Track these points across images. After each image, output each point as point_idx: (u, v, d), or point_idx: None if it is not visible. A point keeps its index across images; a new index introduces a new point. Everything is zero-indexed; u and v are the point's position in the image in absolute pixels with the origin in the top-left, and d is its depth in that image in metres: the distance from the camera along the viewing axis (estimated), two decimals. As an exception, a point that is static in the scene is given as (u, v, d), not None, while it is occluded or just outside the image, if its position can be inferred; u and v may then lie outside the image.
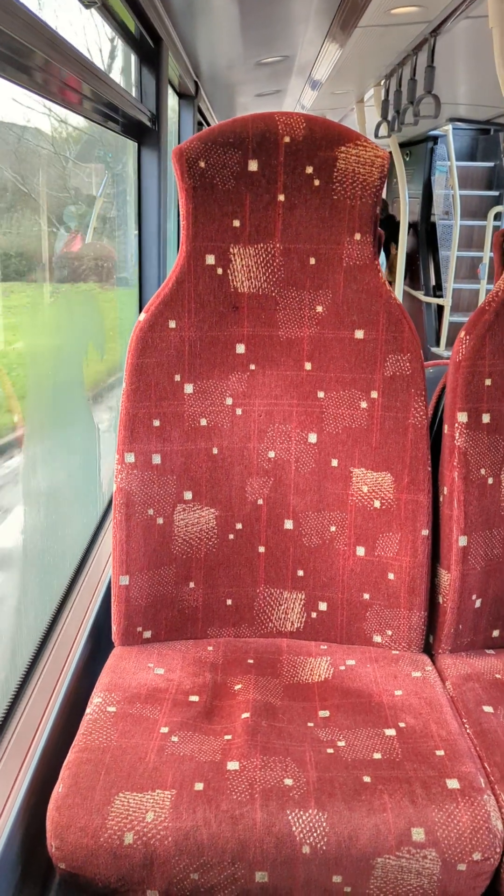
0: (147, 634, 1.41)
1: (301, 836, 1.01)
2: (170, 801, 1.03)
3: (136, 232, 2.25)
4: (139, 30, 1.99)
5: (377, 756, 1.13)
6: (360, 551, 1.42)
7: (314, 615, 1.46)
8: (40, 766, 1.13)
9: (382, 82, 3.64)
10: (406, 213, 4.74)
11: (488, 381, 1.36)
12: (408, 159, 5.76)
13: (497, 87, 3.48)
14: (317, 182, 1.33)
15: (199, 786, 1.06)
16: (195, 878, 1.01)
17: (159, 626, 1.42)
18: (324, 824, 1.02)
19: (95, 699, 1.24)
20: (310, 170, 1.33)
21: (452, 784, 1.07)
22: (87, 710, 1.21)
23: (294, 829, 1.01)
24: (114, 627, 1.40)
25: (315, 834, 1.01)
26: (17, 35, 1.06)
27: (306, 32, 2.70)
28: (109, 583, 1.59)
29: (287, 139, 1.32)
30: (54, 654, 1.35)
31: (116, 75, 2.31)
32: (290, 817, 1.02)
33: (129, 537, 1.37)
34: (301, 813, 1.03)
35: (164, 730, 1.17)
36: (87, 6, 1.43)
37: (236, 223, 1.35)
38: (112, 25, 1.86)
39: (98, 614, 1.51)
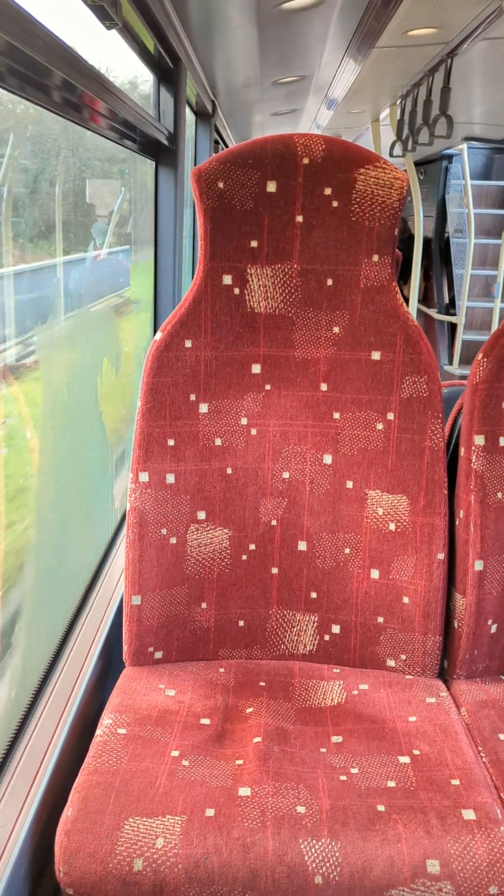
0: (158, 655, 1.40)
1: (313, 865, 0.99)
2: (180, 828, 1.02)
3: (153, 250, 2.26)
4: (158, 50, 2.01)
5: (391, 784, 1.11)
6: (375, 574, 1.41)
7: (327, 638, 1.45)
8: (50, 788, 1.12)
9: (398, 102, 3.66)
10: (421, 231, 4.74)
11: None
12: (422, 177, 5.77)
13: (513, 108, 3.49)
14: (335, 203, 1.33)
15: (210, 812, 1.04)
16: None
17: (171, 646, 1.41)
18: (337, 854, 1.00)
19: (105, 720, 1.23)
20: (328, 191, 1.33)
21: (468, 815, 1.05)
22: (98, 732, 1.20)
23: (306, 858, 1.00)
24: (125, 647, 1.39)
25: (328, 864, 0.99)
26: (37, 55, 1.06)
27: (323, 53, 2.72)
28: (121, 602, 1.58)
29: (306, 160, 1.32)
30: (65, 673, 1.34)
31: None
32: (302, 846, 1.00)
33: (141, 557, 1.36)
34: (314, 842, 1.01)
35: (175, 753, 1.16)
36: (109, 28, 1.44)
37: (254, 244, 1.35)
38: (132, 46, 1.87)
39: (109, 634, 1.50)
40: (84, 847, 1.00)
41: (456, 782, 1.11)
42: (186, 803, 1.05)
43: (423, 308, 5.74)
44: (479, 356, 1.36)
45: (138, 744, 1.17)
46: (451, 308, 5.59)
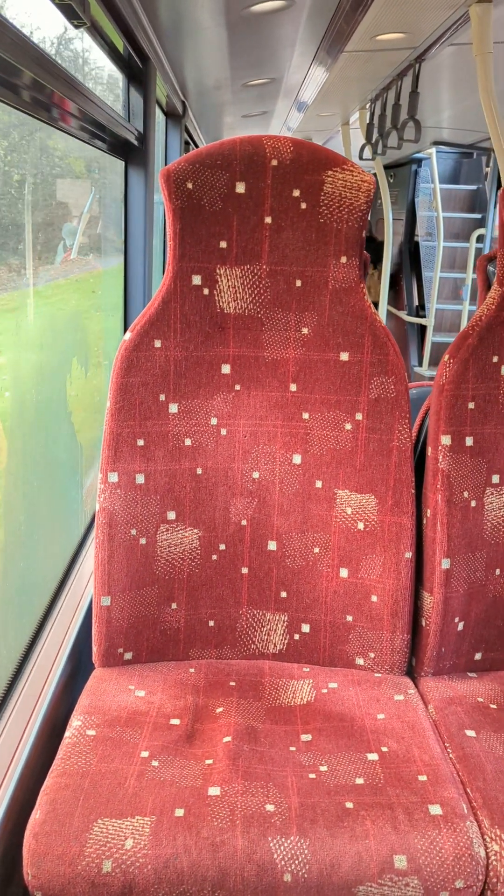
0: (128, 656, 1.40)
1: (283, 863, 1.00)
2: (149, 828, 1.02)
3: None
4: (127, 50, 2.00)
5: (360, 781, 1.12)
6: (344, 573, 1.42)
7: (297, 637, 1.46)
8: (17, 792, 1.11)
9: (368, 106, 3.69)
10: (390, 234, 4.79)
11: (471, 405, 1.37)
12: (392, 181, 5.83)
13: (480, 113, 3.54)
14: (304, 205, 1.34)
15: (179, 812, 1.04)
16: None
17: (140, 647, 1.40)
18: (305, 852, 1.01)
19: (75, 722, 1.22)
20: (297, 193, 1.34)
21: (435, 810, 1.07)
22: (67, 734, 1.20)
23: (275, 856, 1.00)
24: (94, 648, 1.38)
25: (297, 861, 1.00)
26: (4, 54, 1.06)
27: (293, 56, 2.73)
28: (90, 603, 1.57)
29: (275, 162, 1.32)
30: (33, 676, 1.33)
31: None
32: (271, 844, 1.01)
33: (111, 557, 1.36)
34: (283, 840, 1.01)
35: (145, 754, 1.15)
36: (77, 27, 1.44)
37: (223, 244, 1.36)
38: (101, 45, 1.86)
39: (78, 635, 1.49)
40: (52, 849, 1.00)
41: (423, 778, 1.13)
42: (156, 804, 1.05)
43: (393, 310, 5.79)
44: (446, 357, 1.38)
45: (108, 745, 1.17)
46: (420, 310, 5.64)
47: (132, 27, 1.81)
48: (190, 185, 1.32)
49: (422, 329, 5.55)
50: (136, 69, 2.14)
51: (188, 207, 1.33)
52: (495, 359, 1.37)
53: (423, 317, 5.44)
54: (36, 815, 1.04)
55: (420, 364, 5.48)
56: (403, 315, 5.64)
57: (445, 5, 2.00)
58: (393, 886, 1.00)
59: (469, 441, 1.38)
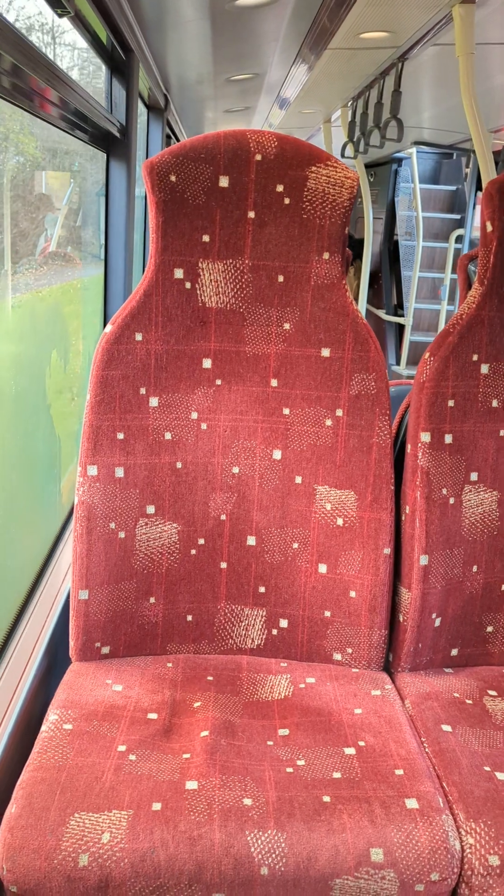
0: (105, 650, 1.39)
1: (260, 857, 1.00)
2: (126, 822, 1.01)
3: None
4: (110, 41, 1.99)
5: (337, 775, 1.13)
6: (322, 569, 1.42)
7: (275, 632, 1.46)
8: None
9: (350, 104, 3.70)
10: (370, 232, 4.80)
11: (451, 403, 1.38)
12: (372, 180, 5.85)
13: (460, 114, 3.56)
14: (287, 200, 1.34)
15: (156, 806, 1.04)
16: None
17: (118, 641, 1.40)
18: (283, 845, 1.01)
19: (51, 716, 1.21)
20: (280, 188, 1.34)
21: (411, 804, 1.07)
22: (43, 728, 1.19)
23: (253, 850, 1.00)
24: (71, 642, 1.38)
25: (274, 855, 1.00)
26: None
27: (276, 52, 2.73)
28: (68, 597, 1.56)
29: (259, 157, 1.32)
30: (9, 670, 1.32)
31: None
32: (248, 838, 1.01)
33: (89, 551, 1.35)
34: (260, 833, 1.02)
35: (122, 748, 1.15)
36: (61, 16, 1.43)
37: (206, 238, 1.35)
38: (84, 35, 1.85)
39: (56, 629, 1.48)
40: (28, 843, 0.99)
41: (399, 772, 1.14)
42: (133, 798, 1.05)
43: (372, 309, 5.81)
44: (426, 355, 1.38)
45: (84, 739, 1.16)
46: (399, 309, 5.68)
47: (116, 18, 1.80)
48: (173, 178, 1.31)
49: (400, 328, 5.58)
50: (118, 61, 2.13)
51: (171, 200, 1.32)
52: (475, 357, 1.39)
53: (402, 316, 5.47)
54: (12, 809, 1.03)
55: (398, 363, 5.51)
56: (382, 314, 5.66)
57: (429, 5, 2.01)
58: (369, 879, 1.00)
59: (448, 438, 1.39)
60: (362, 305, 4.93)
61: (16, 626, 1.47)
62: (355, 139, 3.55)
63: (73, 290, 2.33)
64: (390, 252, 5.68)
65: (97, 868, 0.98)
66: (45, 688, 1.39)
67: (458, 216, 5.56)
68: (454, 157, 5.53)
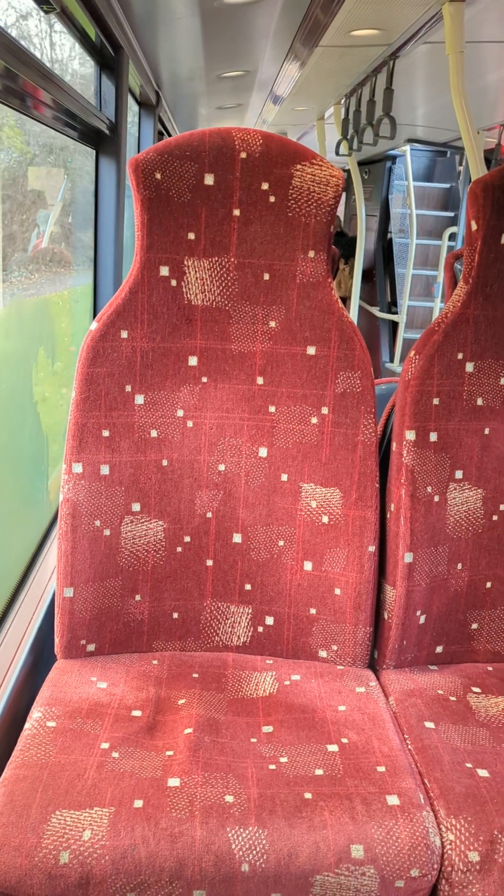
0: (91, 647, 1.39)
1: (240, 853, 1.00)
2: (108, 819, 1.02)
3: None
4: (99, 38, 1.99)
5: (319, 772, 1.13)
6: (308, 566, 1.43)
7: (261, 629, 1.46)
8: None
9: (343, 101, 3.70)
10: (363, 230, 4.81)
11: (436, 401, 1.38)
12: (366, 177, 5.85)
13: (453, 112, 3.56)
14: (272, 199, 1.34)
15: (138, 803, 1.04)
16: None
17: (103, 639, 1.40)
18: (263, 842, 1.01)
19: (35, 714, 1.21)
20: (265, 186, 1.34)
21: (392, 800, 1.08)
22: (26, 725, 1.19)
23: (233, 846, 1.01)
24: (56, 640, 1.38)
25: (254, 852, 1.01)
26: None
27: (267, 49, 2.72)
28: (53, 595, 1.56)
29: (244, 155, 1.32)
30: None
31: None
32: (229, 835, 1.01)
33: (74, 549, 1.35)
34: (241, 830, 1.02)
35: (105, 745, 1.15)
36: (47, 13, 1.42)
37: (191, 236, 1.35)
38: (72, 32, 1.84)
39: (41, 627, 1.48)
40: (9, 841, 0.99)
41: (381, 769, 1.14)
42: (115, 795, 1.05)
43: (366, 306, 5.82)
44: (412, 353, 1.39)
45: (68, 737, 1.16)
46: (392, 307, 5.68)
47: (104, 14, 1.79)
48: (158, 176, 1.31)
49: (394, 325, 5.59)
50: (108, 57, 2.12)
51: (156, 198, 1.32)
52: (460, 356, 1.39)
53: (396, 313, 5.47)
54: None
55: (391, 360, 5.51)
56: (376, 311, 5.67)
57: (419, 3, 2.01)
58: (349, 876, 1.01)
59: (433, 436, 1.39)
60: (355, 303, 4.93)
61: (1, 624, 1.47)
62: (349, 137, 3.55)
63: (62, 303, 2.30)
64: (384, 249, 5.68)
65: (78, 865, 0.98)
66: (30, 685, 1.39)
67: (451, 214, 5.56)
68: (448, 154, 5.53)
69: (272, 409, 1.42)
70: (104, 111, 2.15)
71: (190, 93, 3.61)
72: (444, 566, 1.42)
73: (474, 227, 1.35)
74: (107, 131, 2.09)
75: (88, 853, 0.99)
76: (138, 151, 3.48)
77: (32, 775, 1.08)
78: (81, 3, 1.68)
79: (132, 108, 3.16)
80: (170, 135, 4.79)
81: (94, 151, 2.17)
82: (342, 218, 6.72)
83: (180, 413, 1.41)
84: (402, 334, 5.27)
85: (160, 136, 3.83)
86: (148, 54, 2.64)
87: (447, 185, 5.59)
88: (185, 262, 1.36)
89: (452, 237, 5.29)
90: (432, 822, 1.06)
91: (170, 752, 1.15)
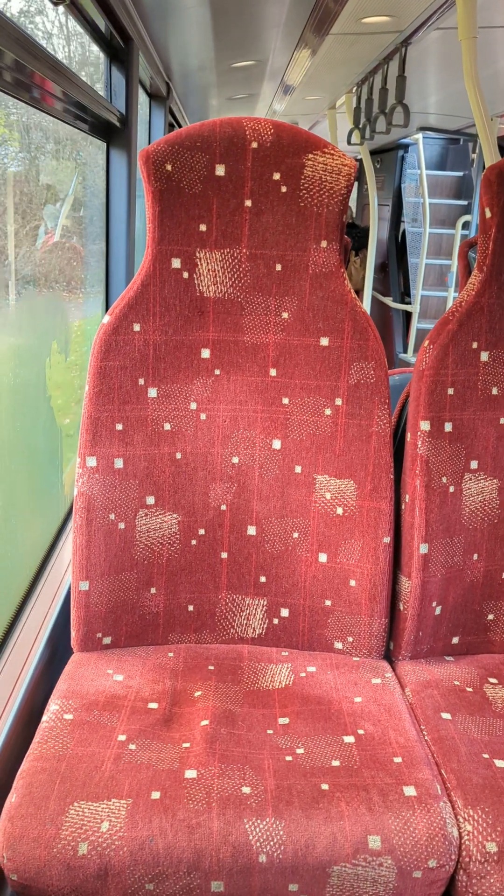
0: (107, 640, 1.40)
1: (258, 844, 1.01)
2: (125, 811, 1.02)
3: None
4: (109, 29, 1.98)
5: (335, 763, 1.13)
6: (323, 558, 1.42)
7: (276, 621, 1.46)
8: None
9: (354, 90, 3.67)
10: (376, 219, 4.77)
11: (451, 391, 1.37)
12: (378, 166, 5.80)
13: (466, 98, 3.52)
14: (284, 188, 1.33)
15: (155, 794, 1.05)
16: (150, 888, 1.00)
17: (119, 631, 1.41)
18: (281, 833, 1.01)
19: (52, 706, 1.22)
20: (277, 176, 1.33)
21: (409, 791, 1.08)
22: (44, 718, 1.20)
23: (251, 837, 1.01)
24: (73, 633, 1.38)
25: (272, 842, 1.01)
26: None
27: (278, 38, 2.71)
28: (69, 588, 1.57)
29: (255, 145, 1.31)
30: (10, 660, 1.33)
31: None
32: (246, 826, 1.02)
33: (89, 542, 1.35)
34: (258, 821, 1.02)
35: (122, 738, 1.16)
36: (56, 4, 1.42)
37: (203, 227, 1.35)
38: (81, 23, 1.84)
39: (57, 620, 1.49)
40: (28, 832, 1.00)
41: (398, 760, 1.14)
42: (132, 787, 1.06)
43: (379, 296, 5.78)
44: (426, 343, 1.38)
45: (85, 729, 1.17)
46: (405, 297, 5.64)
47: (114, 5, 1.78)
48: (169, 167, 1.30)
49: (407, 315, 5.55)
50: (118, 49, 2.11)
51: (167, 190, 1.32)
52: (475, 345, 1.38)
53: (409, 303, 5.44)
54: (12, 798, 1.04)
55: (405, 350, 5.48)
56: (389, 301, 5.63)
57: (430, -12, 1.99)
58: (367, 866, 1.01)
59: (448, 427, 1.38)
60: (368, 293, 4.90)
61: (18, 617, 1.48)
62: (360, 126, 3.52)
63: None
64: (397, 239, 5.64)
65: (96, 856, 0.99)
66: (47, 678, 1.40)
67: (465, 202, 5.51)
68: (461, 142, 5.48)
69: (285, 400, 1.41)
70: (114, 103, 2.15)
71: (200, 83, 3.59)
72: (459, 557, 1.42)
73: (488, 214, 1.34)
74: (117, 123, 2.08)
75: (107, 844, 0.99)
76: (149, 143, 3.47)
77: (50, 767, 1.08)
78: (91, -6, 1.67)
79: (142, 99, 3.15)
80: (180, 126, 4.77)
81: (105, 144, 2.17)
82: (353, 208, 6.68)
83: (193, 406, 1.41)
84: (415, 324, 5.24)
85: (170, 127, 3.82)
86: (158, 45, 2.63)
87: (460, 174, 5.53)
88: (197, 254, 1.36)
89: (466, 226, 5.25)
90: (449, 812, 1.06)
91: (186, 744, 1.15)
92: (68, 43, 2.10)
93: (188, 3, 2.11)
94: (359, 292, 5.27)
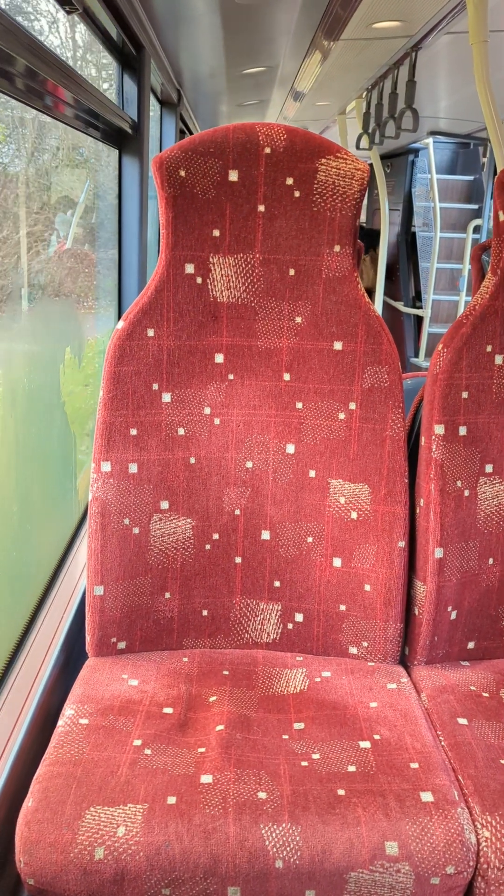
0: (121, 645, 1.40)
1: (274, 850, 1.00)
2: (142, 816, 1.02)
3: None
4: (121, 37, 1.99)
5: (351, 769, 1.13)
6: (337, 562, 1.42)
7: (290, 626, 1.46)
8: (10, 780, 1.11)
9: (364, 95, 3.67)
10: (387, 224, 4.77)
11: (465, 394, 1.37)
12: (389, 171, 5.80)
13: (477, 102, 3.52)
14: (297, 193, 1.33)
15: (171, 799, 1.04)
16: (166, 893, 0.99)
17: (134, 636, 1.41)
18: (297, 838, 1.01)
19: (68, 711, 1.22)
20: (290, 181, 1.33)
21: (426, 797, 1.07)
22: (59, 723, 1.20)
23: (267, 843, 1.01)
24: (87, 638, 1.38)
25: (288, 848, 1.00)
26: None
27: (288, 44, 2.71)
28: (84, 593, 1.57)
29: (268, 150, 1.32)
30: (26, 665, 1.33)
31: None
32: (263, 831, 1.01)
33: (104, 547, 1.35)
34: (274, 827, 1.02)
35: (138, 742, 1.16)
36: (69, 13, 1.43)
37: (216, 233, 1.35)
38: (93, 31, 1.85)
39: (72, 625, 1.49)
40: (45, 837, 1.00)
41: (415, 766, 1.13)
42: (148, 791, 1.06)
43: (390, 301, 5.78)
44: (440, 347, 1.37)
45: (100, 734, 1.17)
46: (417, 301, 5.63)
47: (126, 14, 1.80)
48: (182, 173, 1.31)
49: (418, 320, 5.55)
50: (129, 57, 2.13)
51: (181, 195, 1.32)
52: (489, 348, 1.37)
53: (420, 307, 5.43)
54: (28, 803, 1.04)
55: (416, 355, 5.47)
56: (400, 306, 5.63)
57: (441, -7, 1.99)
58: (384, 873, 1.00)
59: (463, 430, 1.38)
60: (380, 297, 4.90)
61: (33, 622, 1.48)
62: (370, 130, 3.52)
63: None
64: (408, 243, 5.64)
65: (113, 861, 0.99)
66: (62, 683, 1.40)
67: (475, 206, 5.50)
68: (471, 146, 5.47)
69: (299, 405, 1.41)
70: (126, 110, 2.16)
71: (211, 90, 3.61)
72: (474, 561, 1.41)
73: (502, 217, 1.34)
74: (129, 130, 2.10)
75: (123, 849, 0.99)
76: (160, 151, 3.49)
77: (66, 772, 1.08)
78: (103, 2, 1.68)
79: (153, 106, 3.17)
80: (191, 133, 4.80)
81: (118, 151, 2.18)
82: (364, 213, 6.68)
83: (207, 411, 1.41)
84: (426, 329, 5.23)
85: (181, 134, 3.83)
86: (169, 53, 2.64)
87: (471, 178, 5.52)
88: (211, 260, 1.36)
89: (477, 230, 5.24)
90: (467, 818, 1.05)
91: (202, 749, 1.15)
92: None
93: (199, 11, 2.12)
94: (370, 291, 5.26)
